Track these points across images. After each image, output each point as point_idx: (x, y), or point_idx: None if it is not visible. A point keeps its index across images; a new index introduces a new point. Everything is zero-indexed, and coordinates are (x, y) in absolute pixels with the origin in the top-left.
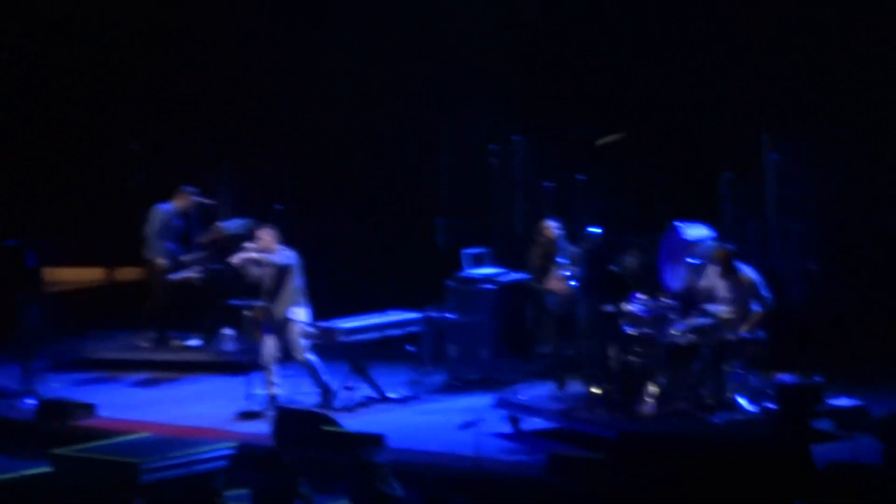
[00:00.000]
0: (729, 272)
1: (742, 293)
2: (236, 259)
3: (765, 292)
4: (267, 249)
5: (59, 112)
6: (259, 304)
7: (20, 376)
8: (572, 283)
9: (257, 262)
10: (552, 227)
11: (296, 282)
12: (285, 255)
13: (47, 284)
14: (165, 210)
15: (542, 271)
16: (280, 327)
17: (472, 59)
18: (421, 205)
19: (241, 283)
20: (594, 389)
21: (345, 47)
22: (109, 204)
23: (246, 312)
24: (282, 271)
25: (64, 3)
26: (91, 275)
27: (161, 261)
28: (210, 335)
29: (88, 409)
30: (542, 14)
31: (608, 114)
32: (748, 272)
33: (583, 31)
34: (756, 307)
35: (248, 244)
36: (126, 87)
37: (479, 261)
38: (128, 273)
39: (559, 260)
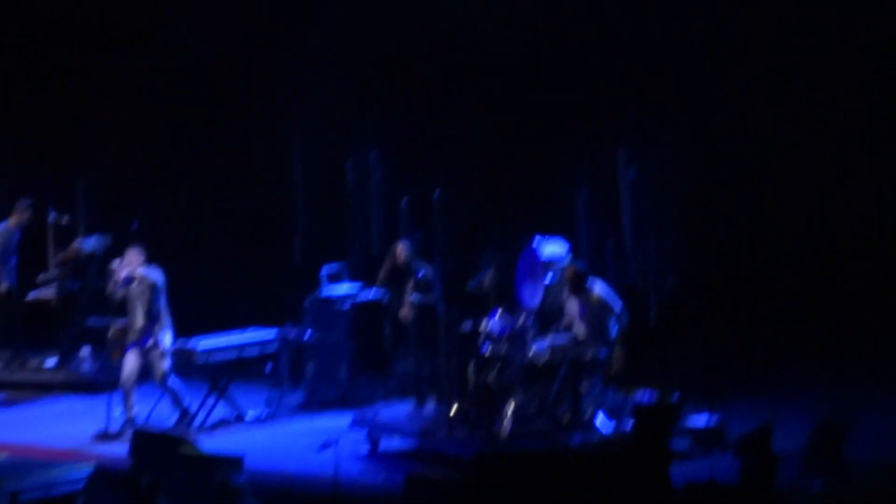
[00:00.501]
0: (579, 290)
1: (594, 311)
2: (116, 281)
3: (616, 306)
4: (134, 269)
5: None
6: (120, 323)
7: None
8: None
9: (130, 280)
10: (403, 248)
11: (159, 302)
12: (153, 274)
13: None
14: (3, 229)
15: (397, 291)
16: (141, 347)
17: (326, 73)
18: (279, 221)
19: (100, 302)
20: (452, 408)
21: (193, 58)
22: None
23: (108, 332)
24: (146, 290)
25: None
26: None
27: (5, 282)
28: (67, 354)
29: None
30: (399, 26)
31: (466, 127)
32: (599, 289)
33: (441, 41)
34: (612, 322)
35: (113, 264)
36: None
37: (336, 278)
38: None
39: (414, 279)
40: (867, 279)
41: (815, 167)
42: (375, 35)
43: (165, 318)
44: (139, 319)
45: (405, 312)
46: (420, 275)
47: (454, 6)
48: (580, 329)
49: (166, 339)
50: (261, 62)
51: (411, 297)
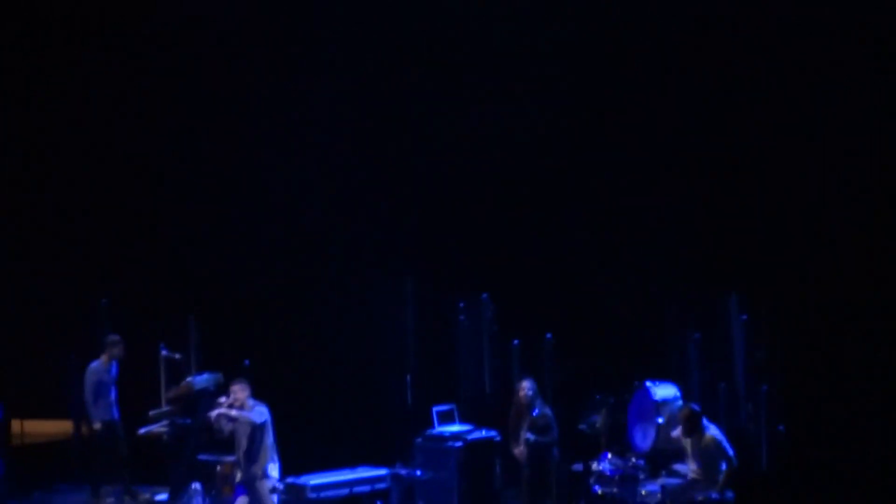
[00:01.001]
0: (693, 431)
1: (708, 453)
2: (213, 415)
3: (729, 451)
4: (240, 404)
5: (28, 268)
6: (229, 459)
7: None
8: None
9: (231, 419)
10: (526, 387)
11: (267, 438)
12: (258, 412)
13: (15, 437)
14: (95, 368)
15: (515, 431)
16: (250, 483)
17: (436, 218)
18: (391, 362)
19: (210, 439)
20: None
21: (309, 207)
22: (78, 358)
23: (217, 468)
24: (254, 428)
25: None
26: (58, 428)
27: (97, 424)
28: (177, 489)
29: None
30: (514, 176)
31: (573, 274)
32: (713, 432)
33: (547, 191)
34: (723, 466)
35: (221, 399)
36: (95, 240)
37: (447, 418)
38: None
39: (530, 418)
40: None
41: None
42: (486, 177)
43: (271, 453)
44: (247, 455)
45: (520, 451)
46: (535, 413)
47: (561, 160)
48: (692, 470)
49: (273, 472)
50: (370, 208)
51: (527, 435)
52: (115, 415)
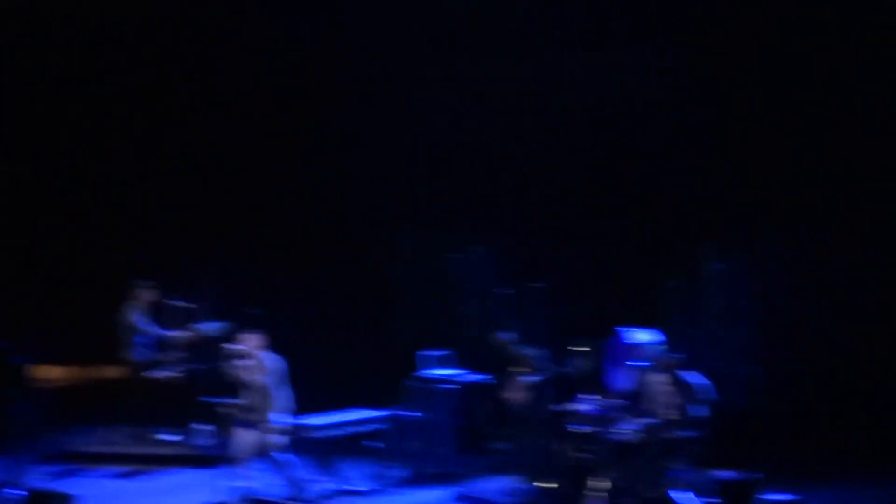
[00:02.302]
0: (671, 375)
1: (683, 394)
2: (233, 367)
3: (706, 393)
4: (253, 352)
5: (46, 219)
6: (237, 401)
7: (8, 468)
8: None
9: (248, 370)
10: (507, 336)
11: (276, 383)
12: (270, 358)
13: (34, 382)
14: (129, 310)
15: (510, 375)
16: (257, 425)
17: (429, 172)
18: (385, 309)
19: (219, 382)
20: (545, 485)
21: (311, 164)
22: (97, 306)
23: (224, 410)
24: (263, 372)
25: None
26: (75, 373)
27: (132, 359)
28: (187, 430)
29: (70, 500)
30: (506, 123)
31: (561, 222)
32: (689, 375)
33: (537, 143)
34: (701, 411)
35: (232, 346)
36: (111, 195)
37: (442, 362)
38: (108, 371)
39: (526, 361)
40: None
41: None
42: (482, 132)
43: (281, 399)
44: (254, 398)
45: (512, 394)
46: (531, 357)
47: (555, 112)
48: (668, 411)
49: (281, 416)
50: (372, 153)
51: (520, 377)
52: (142, 358)
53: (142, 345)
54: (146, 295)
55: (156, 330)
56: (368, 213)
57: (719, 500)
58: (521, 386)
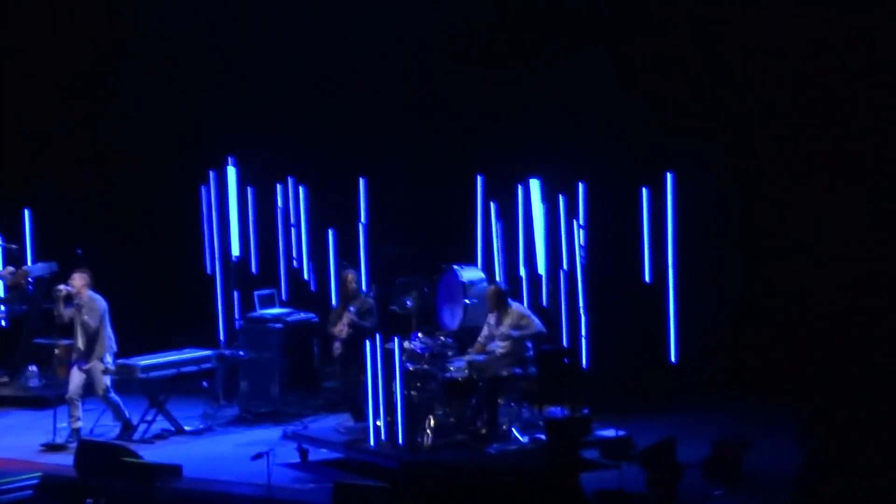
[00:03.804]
0: (500, 307)
1: (514, 327)
2: (63, 310)
3: (536, 322)
4: (77, 291)
5: None
6: (65, 342)
7: None
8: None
9: (77, 310)
10: (352, 278)
11: (102, 323)
12: (96, 298)
13: None
14: None
15: (338, 315)
16: (85, 365)
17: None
18: (216, 250)
19: (46, 324)
20: (377, 422)
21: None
22: None
23: (54, 351)
24: (89, 312)
25: None
26: None
27: None
28: (15, 372)
29: None
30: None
31: (375, 162)
32: (517, 306)
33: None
34: (528, 344)
35: (59, 286)
36: None
37: (267, 301)
38: None
39: (361, 300)
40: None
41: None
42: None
43: (108, 339)
44: (82, 339)
45: (339, 328)
46: (366, 298)
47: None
48: (498, 347)
49: (108, 357)
50: (197, 80)
51: (351, 313)
52: None
53: None
54: None
55: None
56: (194, 149)
57: (549, 437)
58: (352, 323)
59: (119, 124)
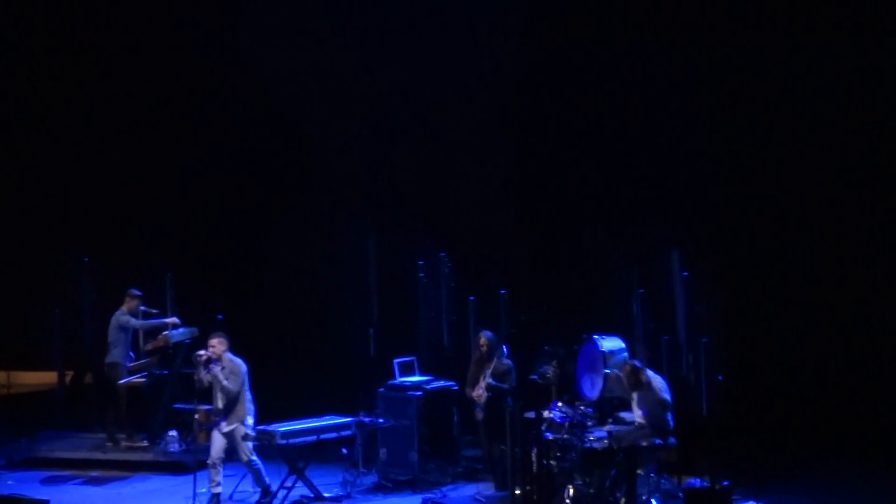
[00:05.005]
0: (638, 384)
1: (650, 402)
2: (202, 375)
3: (667, 395)
4: (217, 357)
5: (14, 228)
6: (205, 407)
7: None
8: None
9: (216, 375)
10: (487, 337)
11: (242, 387)
12: (235, 361)
13: (2, 387)
14: (119, 316)
15: (475, 378)
16: (225, 430)
17: (399, 181)
18: (355, 318)
19: (186, 388)
20: (517, 491)
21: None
22: (62, 312)
23: (194, 416)
24: (229, 376)
25: None
26: (44, 378)
27: (121, 365)
28: (155, 436)
29: None
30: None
31: (517, 231)
32: (656, 383)
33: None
34: (669, 416)
35: (200, 352)
36: (78, 201)
37: (407, 369)
38: (77, 377)
39: (496, 362)
40: None
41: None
42: (445, 142)
43: (248, 403)
44: (222, 402)
45: (478, 394)
46: (502, 360)
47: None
48: (637, 418)
49: (249, 421)
50: (340, 161)
51: (489, 380)
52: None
53: (126, 350)
54: (131, 302)
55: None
56: (335, 220)
57: None
58: (490, 387)
59: (256, 195)
